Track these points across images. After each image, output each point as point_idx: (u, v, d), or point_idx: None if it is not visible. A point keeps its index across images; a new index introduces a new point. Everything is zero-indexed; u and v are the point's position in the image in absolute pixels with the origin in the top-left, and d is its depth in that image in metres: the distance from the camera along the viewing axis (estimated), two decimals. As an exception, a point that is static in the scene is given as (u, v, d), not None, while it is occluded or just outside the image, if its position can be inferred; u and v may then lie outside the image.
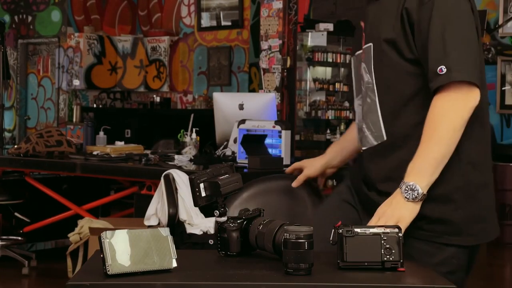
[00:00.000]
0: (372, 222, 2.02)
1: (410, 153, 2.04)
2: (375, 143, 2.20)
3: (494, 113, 9.22)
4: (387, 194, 2.07)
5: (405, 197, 2.01)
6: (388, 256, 1.83)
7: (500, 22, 9.04)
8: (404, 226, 1.98)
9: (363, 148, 2.27)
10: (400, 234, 1.85)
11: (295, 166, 2.63)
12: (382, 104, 2.16)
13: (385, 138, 2.16)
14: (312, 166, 2.58)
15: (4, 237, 6.00)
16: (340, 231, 1.84)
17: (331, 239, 1.89)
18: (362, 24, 2.27)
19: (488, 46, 9.21)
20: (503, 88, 9.08)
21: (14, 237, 6.06)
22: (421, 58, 2.08)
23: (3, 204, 5.85)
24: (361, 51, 2.26)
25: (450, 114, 2.01)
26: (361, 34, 2.27)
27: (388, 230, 1.85)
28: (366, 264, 1.83)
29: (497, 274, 6.45)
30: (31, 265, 5.75)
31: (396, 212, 2.00)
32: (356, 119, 2.33)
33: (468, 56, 2.03)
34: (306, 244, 1.78)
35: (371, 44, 2.18)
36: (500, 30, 9.10)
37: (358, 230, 1.84)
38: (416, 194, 2.00)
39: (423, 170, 2.01)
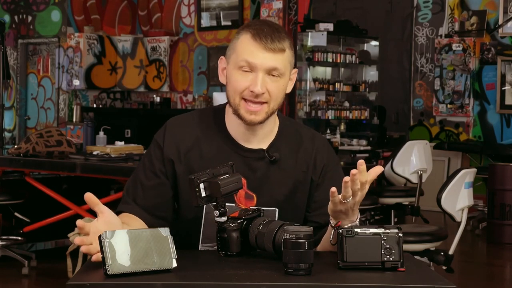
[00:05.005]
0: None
1: None
2: None
3: (494, 113, 9.22)
4: None
5: None
6: (388, 256, 1.83)
7: (500, 22, 9.04)
8: None
9: None
10: (400, 234, 1.85)
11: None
12: None
13: None
14: None
15: (4, 237, 5.99)
16: (340, 231, 1.84)
17: (331, 239, 1.89)
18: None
19: (488, 46, 9.21)
20: (503, 88, 9.08)
21: (14, 237, 6.06)
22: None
23: (3, 204, 5.85)
24: None
25: None
26: None
27: (388, 230, 1.85)
28: (366, 264, 1.83)
29: (497, 274, 6.45)
30: (31, 265, 5.75)
31: None
32: None
33: None
34: (306, 244, 1.78)
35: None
36: (500, 30, 9.09)
37: (358, 230, 1.84)
38: None
39: None
